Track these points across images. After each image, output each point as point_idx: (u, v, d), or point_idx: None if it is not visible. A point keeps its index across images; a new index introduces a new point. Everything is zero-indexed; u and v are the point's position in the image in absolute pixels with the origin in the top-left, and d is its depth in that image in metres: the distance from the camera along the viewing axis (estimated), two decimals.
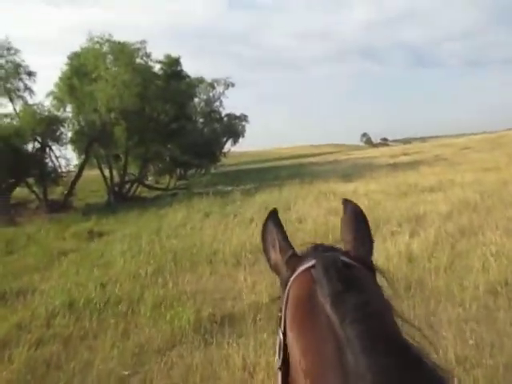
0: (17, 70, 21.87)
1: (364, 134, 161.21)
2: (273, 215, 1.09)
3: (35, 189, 22.66)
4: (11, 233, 14.32)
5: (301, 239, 6.44)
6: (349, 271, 0.83)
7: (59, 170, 23.03)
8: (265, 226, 1.07)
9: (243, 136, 45.95)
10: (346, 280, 0.79)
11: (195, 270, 7.34)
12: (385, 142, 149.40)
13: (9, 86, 21.74)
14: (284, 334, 0.85)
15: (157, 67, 26.51)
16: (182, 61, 27.81)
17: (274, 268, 1.01)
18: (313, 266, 0.86)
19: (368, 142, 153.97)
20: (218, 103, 40.37)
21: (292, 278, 0.89)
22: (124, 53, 20.63)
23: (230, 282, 6.71)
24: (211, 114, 39.95)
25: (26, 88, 22.20)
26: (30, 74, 22.50)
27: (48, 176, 22.08)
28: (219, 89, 39.83)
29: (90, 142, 22.27)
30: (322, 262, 0.85)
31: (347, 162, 36.19)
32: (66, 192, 23.24)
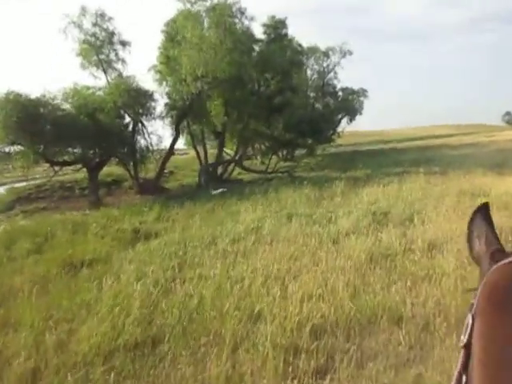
0: (110, 40, 20.36)
1: (507, 113, 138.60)
2: (483, 209, 1.03)
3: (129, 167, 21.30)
4: (72, 220, 12.40)
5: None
6: None
7: (150, 148, 21.19)
8: (472, 219, 1.01)
9: (361, 113, 40.47)
10: None
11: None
12: None
13: (102, 56, 20.36)
14: (473, 317, 0.83)
15: (259, 30, 23.06)
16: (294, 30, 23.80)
17: (477, 259, 0.96)
18: None
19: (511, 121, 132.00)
20: (332, 75, 35.58)
21: (493, 268, 0.85)
22: (214, 10, 17.49)
23: None
24: (324, 87, 35.41)
25: (119, 59, 20.64)
26: (124, 43, 20.89)
27: (138, 154, 20.36)
28: (334, 58, 34.96)
29: (180, 116, 19.87)
30: None
31: (491, 146, 28.86)
32: (157, 171, 21.49)
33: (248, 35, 20.65)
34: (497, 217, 7.42)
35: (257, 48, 22.62)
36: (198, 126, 23.34)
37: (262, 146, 28.88)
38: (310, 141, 27.09)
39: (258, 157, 31.66)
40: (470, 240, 1.00)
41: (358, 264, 5.63)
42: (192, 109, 19.44)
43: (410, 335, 3.74)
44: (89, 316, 4.82)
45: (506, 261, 0.83)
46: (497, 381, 0.69)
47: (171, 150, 21.45)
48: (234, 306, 4.60)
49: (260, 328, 4.13)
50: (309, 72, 37.13)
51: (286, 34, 23.17)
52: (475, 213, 1.03)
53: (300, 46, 30.89)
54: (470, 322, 0.83)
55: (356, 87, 39.53)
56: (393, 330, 3.89)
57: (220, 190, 17.57)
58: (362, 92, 40.20)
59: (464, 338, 0.83)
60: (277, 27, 22.73)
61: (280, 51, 21.98)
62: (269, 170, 25.06)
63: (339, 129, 41.72)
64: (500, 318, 0.77)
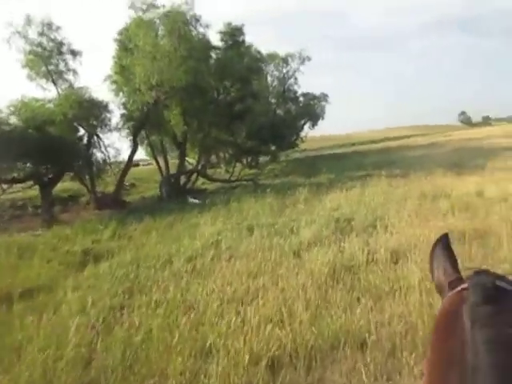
0: (59, 50, 19.41)
1: (462, 113, 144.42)
2: (443, 239, 1.04)
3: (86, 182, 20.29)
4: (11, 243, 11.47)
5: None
6: (499, 293, 0.81)
7: (108, 161, 20.31)
8: (433, 250, 1.03)
9: (323, 118, 40.75)
10: (491, 297, 0.79)
11: None
12: (487, 122, 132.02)
13: (51, 67, 19.37)
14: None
15: (216, 38, 22.68)
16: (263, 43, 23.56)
17: (438, 289, 1.00)
18: (466, 288, 0.86)
19: (466, 121, 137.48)
20: (292, 81, 35.63)
21: (446, 297, 0.91)
22: (168, 18, 16.96)
23: None
24: (284, 93, 35.41)
25: (69, 69, 19.70)
26: (75, 53, 19.97)
27: (94, 167, 19.44)
28: (293, 65, 35.04)
29: (137, 127, 19.15)
30: (474, 283, 0.85)
31: (448, 146, 29.63)
32: (116, 184, 20.61)
33: (204, 42, 20.24)
34: (459, 220, 7.29)
35: (214, 55, 22.26)
36: (158, 137, 22.69)
37: (226, 154, 28.44)
38: (272, 147, 26.85)
39: (223, 165, 31.23)
40: (431, 271, 1.02)
41: (319, 280, 5.27)
42: (149, 119, 18.78)
43: (376, 363, 3.39)
44: (18, 361, 4.20)
45: (457, 289, 0.87)
46: None
47: (130, 162, 20.64)
48: (184, 339, 4.11)
49: (211, 365, 3.66)
50: (269, 78, 37.12)
51: (243, 41, 22.90)
52: (435, 244, 1.03)
53: (259, 53, 30.81)
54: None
55: (319, 93, 39.88)
56: (357, 358, 3.52)
57: (196, 201, 17.05)
58: (323, 97, 40.51)
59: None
60: (233, 34, 22.42)
61: (238, 58, 21.69)
62: (233, 179, 24.66)
63: (303, 134, 41.96)
64: (443, 342, 0.81)
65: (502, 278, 0.88)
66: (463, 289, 0.85)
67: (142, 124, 19.01)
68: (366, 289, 4.82)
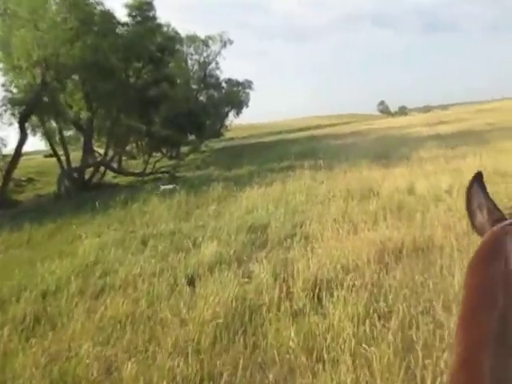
0: None
1: (381, 103, 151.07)
2: (478, 178, 0.99)
3: None
4: None
5: None
6: None
7: None
8: (470, 188, 0.99)
9: (247, 106, 39.23)
10: None
11: None
12: (403, 111, 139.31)
13: None
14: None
15: (123, 13, 19.97)
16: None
17: (480, 230, 0.95)
18: (510, 224, 0.84)
19: (385, 110, 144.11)
20: (213, 65, 33.58)
21: (488, 232, 0.89)
22: None
23: None
24: (206, 78, 33.29)
25: None
26: None
27: None
28: (214, 48, 32.97)
29: (24, 112, 16.10)
30: None
31: (371, 134, 29.47)
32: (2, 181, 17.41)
33: (107, 16, 17.55)
34: (393, 227, 5.98)
35: (121, 32, 19.61)
36: (57, 124, 19.60)
37: (142, 144, 25.87)
38: (191, 136, 24.77)
39: (140, 156, 28.50)
40: (470, 211, 0.99)
41: (208, 340, 3.58)
42: (39, 103, 15.81)
43: None
44: None
45: (501, 224, 0.86)
46: (470, 319, 0.74)
47: (18, 154, 17.46)
48: None
49: None
50: (190, 62, 34.76)
51: (154, 17, 20.42)
52: (472, 182, 0.99)
53: (177, 33, 28.42)
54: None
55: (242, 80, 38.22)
56: None
57: (171, 186, 14.47)
58: (248, 84, 39.04)
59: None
60: (142, 8, 19.86)
61: (149, 35, 19.25)
62: (148, 171, 22.26)
63: (228, 122, 40.26)
64: (482, 268, 0.81)
65: None
66: (507, 224, 0.84)
67: (29, 109, 15.97)
68: (273, 359, 3.20)
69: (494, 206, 0.94)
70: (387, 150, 16.35)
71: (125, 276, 5.64)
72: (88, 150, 20.83)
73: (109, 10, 17.58)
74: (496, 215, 0.92)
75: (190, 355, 3.37)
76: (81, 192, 17.97)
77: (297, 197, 9.40)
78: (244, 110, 38.49)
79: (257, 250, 6.05)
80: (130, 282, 5.41)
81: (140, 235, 7.84)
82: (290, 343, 3.32)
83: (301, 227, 6.85)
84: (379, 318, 3.48)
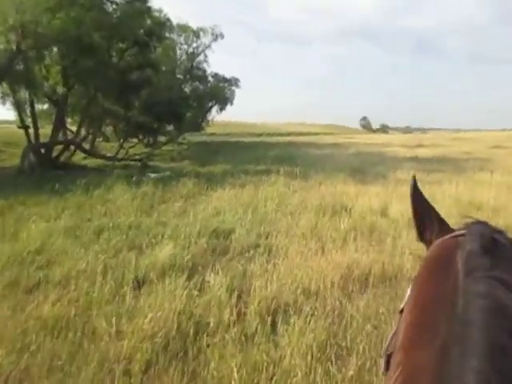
0: None
1: (363, 118, 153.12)
2: (415, 183, 0.97)
3: None
4: None
5: None
6: (498, 247, 0.76)
7: None
8: (413, 194, 0.96)
9: (232, 103, 38.64)
10: (489, 247, 0.75)
11: None
12: (384, 129, 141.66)
13: None
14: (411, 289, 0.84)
15: None
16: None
17: (427, 240, 0.93)
18: (462, 235, 0.82)
19: (367, 126, 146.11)
20: (202, 58, 32.89)
21: (435, 242, 0.87)
22: None
23: None
24: (193, 70, 32.58)
25: None
26: None
27: None
28: (205, 40, 32.29)
29: None
30: (472, 232, 0.81)
31: (351, 148, 29.50)
32: None
33: None
34: (362, 250, 5.67)
35: (110, 10, 18.82)
36: (28, 95, 18.59)
37: (117, 128, 25.00)
38: (169, 127, 24.08)
39: (116, 140, 27.53)
40: (417, 219, 0.96)
41: (142, 360, 3.13)
42: (11, 70, 14.88)
43: None
44: None
45: (449, 235, 0.84)
46: (415, 339, 0.70)
47: None
48: None
49: None
50: (178, 52, 33.96)
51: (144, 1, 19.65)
52: (413, 188, 0.96)
53: (168, 20, 27.64)
54: (409, 291, 0.84)
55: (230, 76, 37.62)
56: None
57: (157, 175, 13.81)
58: (235, 81, 38.46)
59: (401, 306, 0.86)
60: None
61: (138, 17, 18.50)
62: (120, 156, 21.45)
63: (210, 117, 39.54)
64: (427, 281, 0.78)
65: (499, 231, 0.84)
66: (458, 235, 0.83)
67: (0, 75, 15.01)
68: None
69: (439, 214, 0.92)
70: (365, 167, 16.21)
71: (67, 270, 5.11)
72: (59, 126, 19.88)
73: None
74: (445, 225, 0.90)
75: (116, 378, 2.91)
76: (46, 169, 17.09)
77: (267, 204, 9.03)
78: (229, 107, 37.89)
79: (216, 258, 5.62)
80: (72, 278, 4.89)
81: (95, 225, 7.28)
82: (235, 375, 2.92)
83: (266, 238, 6.47)
84: (336, 357, 3.11)
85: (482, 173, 13.37)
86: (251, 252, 5.77)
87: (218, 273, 4.83)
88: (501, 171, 13.69)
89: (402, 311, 0.82)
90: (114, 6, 19.14)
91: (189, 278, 4.78)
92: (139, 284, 4.77)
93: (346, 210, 8.02)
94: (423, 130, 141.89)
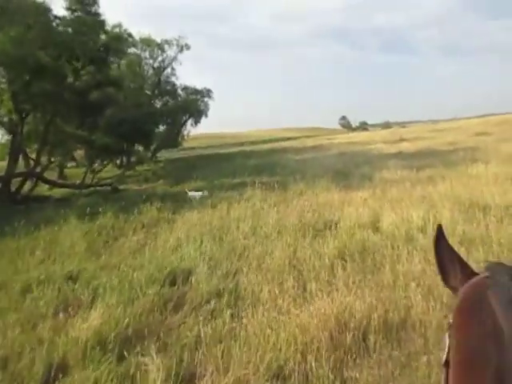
0: None
1: (343, 117, 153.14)
2: (440, 229, 0.98)
3: None
4: None
5: None
6: None
7: None
8: (436, 240, 0.98)
9: (206, 115, 37.31)
10: None
11: None
12: (364, 126, 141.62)
13: None
14: (449, 334, 0.85)
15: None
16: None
17: (451, 284, 0.95)
18: (488, 277, 0.86)
19: (346, 125, 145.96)
20: (169, 71, 31.60)
21: (465, 286, 0.88)
22: None
23: None
24: (160, 84, 31.24)
25: None
26: None
27: None
28: (171, 53, 31.03)
29: None
30: (498, 273, 0.85)
31: (333, 150, 28.40)
32: None
33: (39, 8, 15.37)
34: (356, 287, 4.35)
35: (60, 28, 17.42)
36: None
37: (80, 152, 23.48)
38: (139, 146, 22.67)
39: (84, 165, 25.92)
40: (441, 264, 0.97)
41: None
42: None
43: None
44: None
45: (476, 278, 0.87)
46: (468, 374, 0.72)
47: None
48: None
49: None
50: (145, 67, 32.62)
51: (96, 13, 18.29)
52: (439, 239, 0.97)
53: (130, 35, 26.35)
54: (447, 339, 0.85)
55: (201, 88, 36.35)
56: None
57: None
58: (207, 92, 37.22)
59: (444, 357, 0.84)
60: (83, 2, 17.72)
61: (89, 32, 17.11)
62: (88, 183, 19.89)
63: (187, 131, 38.13)
64: (471, 324, 0.79)
65: None
66: (485, 277, 0.85)
67: None
68: None
69: (463, 259, 0.94)
70: (348, 168, 15.01)
71: None
72: (16, 157, 18.30)
73: (44, 4, 15.44)
74: (468, 269, 0.92)
75: None
76: (2, 205, 15.56)
77: (240, 226, 7.69)
78: (204, 119, 36.57)
79: (165, 319, 4.25)
80: None
81: (23, 279, 5.85)
82: None
83: (234, 277, 5.12)
84: None
85: (474, 165, 12.24)
86: (212, 303, 4.42)
87: (159, 349, 3.46)
88: (494, 161, 12.59)
89: (446, 363, 0.81)
90: (62, 22, 17.75)
91: (119, 360, 3.41)
92: (49, 376, 3.38)
93: (330, 228, 6.71)
94: (402, 124, 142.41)
